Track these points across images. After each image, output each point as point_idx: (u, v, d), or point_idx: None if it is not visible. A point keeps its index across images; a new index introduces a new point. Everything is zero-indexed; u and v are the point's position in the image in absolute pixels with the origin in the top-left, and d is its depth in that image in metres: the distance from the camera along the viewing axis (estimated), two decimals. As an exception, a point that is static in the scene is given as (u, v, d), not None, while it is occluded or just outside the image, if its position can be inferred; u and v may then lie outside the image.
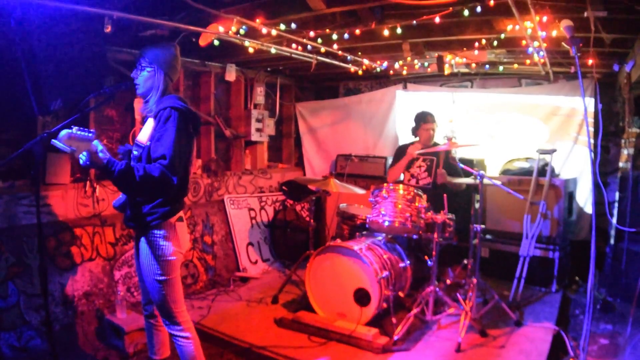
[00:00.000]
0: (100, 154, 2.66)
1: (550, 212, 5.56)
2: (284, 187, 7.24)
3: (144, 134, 3.10)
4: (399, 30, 4.35)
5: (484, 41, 4.76)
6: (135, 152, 3.11)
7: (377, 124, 7.59)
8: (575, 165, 6.20)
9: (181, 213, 3.18)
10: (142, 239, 3.07)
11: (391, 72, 6.79)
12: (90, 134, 2.58)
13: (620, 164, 5.70)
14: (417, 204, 4.66)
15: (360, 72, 6.47)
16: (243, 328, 4.59)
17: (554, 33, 4.11)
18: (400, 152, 5.88)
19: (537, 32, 4.04)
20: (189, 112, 3.03)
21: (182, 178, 3.02)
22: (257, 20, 4.20)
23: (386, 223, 4.61)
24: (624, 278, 5.04)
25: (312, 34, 4.57)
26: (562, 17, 3.54)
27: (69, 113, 4.21)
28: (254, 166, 7.26)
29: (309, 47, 4.97)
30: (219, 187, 6.56)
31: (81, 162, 2.62)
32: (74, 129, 2.54)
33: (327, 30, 4.52)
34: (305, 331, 4.48)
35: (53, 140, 2.54)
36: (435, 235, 4.54)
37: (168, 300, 3.10)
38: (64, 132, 2.53)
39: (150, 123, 3.10)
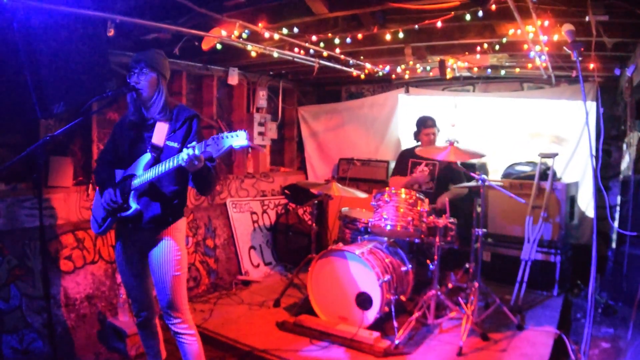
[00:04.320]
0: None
1: (551, 216, 5.55)
2: (286, 191, 7.26)
3: (158, 137, 3.18)
4: (401, 35, 4.37)
5: (485, 45, 4.77)
6: (154, 154, 3.18)
7: (380, 128, 7.59)
8: (577, 169, 6.20)
9: None
10: (165, 237, 3.22)
11: (393, 76, 6.80)
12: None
13: (622, 168, 5.70)
14: (419, 208, 4.66)
15: (362, 76, 6.48)
16: (245, 331, 4.60)
17: (556, 37, 4.11)
18: (403, 157, 5.89)
19: (538, 36, 4.05)
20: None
21: None
22: (260, 25, 4.21)
23: (388, 227, 4.61)
24: (626, 282, 5.02)
25: (314, 38, 4.59)
26: (564, 21, 3.55)
27: (72, 116, 4.22)
28: (256, 170, 7.27)
29: (311, 51, 4.98)
30: (222, 191, 6.57)
31: (187, 164, 2.81)
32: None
33: (330, 34, 4.54)
34: (307, 335, 4.48)
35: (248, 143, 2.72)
36: (437, 239, 4.54)
37: (181, 294, 3.24)
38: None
39: (162, 127, 3.20)
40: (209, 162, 3.04)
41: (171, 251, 3.21)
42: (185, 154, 2.78)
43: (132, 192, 3.16)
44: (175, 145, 3.16)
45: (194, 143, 2.80)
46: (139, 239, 3.27)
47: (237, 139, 2.67)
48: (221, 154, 2.74)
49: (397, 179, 5.74)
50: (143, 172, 3.13)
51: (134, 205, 3.16)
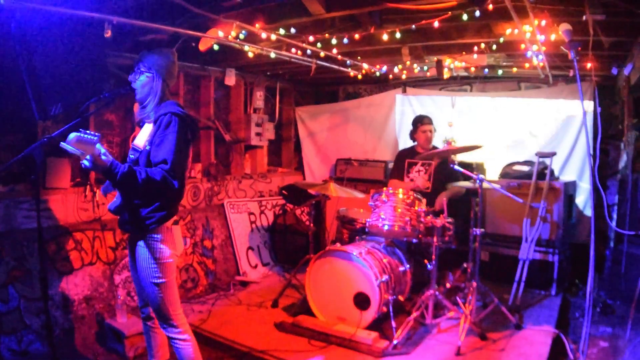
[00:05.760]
0: (104, 157, 2.66)
1: (549, 216, 5.56)
2: (283, 191, 7.25)
3: (141, 138, 3.13)
4: (398, 35, 4.37)
5: (483, 45, 4.78)
6: (131, 156, 3.13)
7: (377, 128, 7.59)
8: (575, 168, 6.21)
9: (176, 217, 3.22)
10: (140, 243, 3.10)
11: (390, 76, 6.80)
12: (95, 137, 2.59)
13: (620, 167, 5.71)
14: (416, 208, 4.67)
15: (359, 77, 6.48)
16: (243, 332, 4.59)
17: (553, 37, 4.12)
18: (399, 158, 5.89)
19: (536, 35, 4.06)
20: (188, 118, 3.10)
21: (181, 183, 3.05)
22: (257, 25, 4.21)
23: (386, 227, 4.61)
24: (624, 281, 5.04)
25: (311, 38, 4.58)
26: (561, 20, 3.55)
27: (69, 118, 4.22)
28: (253, 170, 7.27)
29: (308, 51, 4.98)
30: (219, 192, 6.57)
31: (84, 165, 2.63)
32: (81, 132, 2.56)
33: (327, 34, 4.53)
34: (305, 335, 4.48)
35: (62, 143, 2.55)
36: (435, 239, 4.54)
37: (165, 302, 3.14)
38: (72, 135, 2.55)
39: (148, 128, 3.14)
40: (162, 164, 2.90)
41: (147, 259, 3.08)
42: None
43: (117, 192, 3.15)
44: (147, 147, 3.03)
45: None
46: (128, 238, 3.28)
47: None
48: (79, 154, 2.58)
49: (395, 183, 5.74)
50: None
51: (109, 205, 3.14)
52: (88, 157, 2.62)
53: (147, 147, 3.02)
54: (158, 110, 3.11)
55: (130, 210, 3.09)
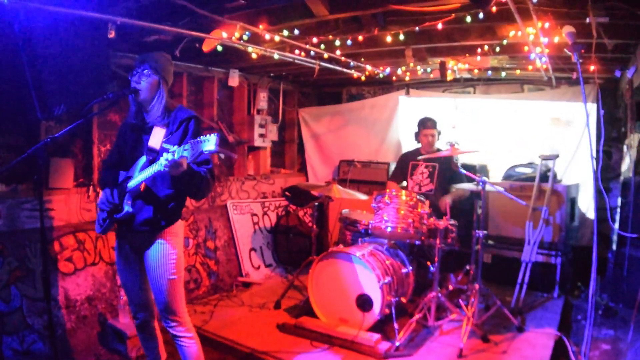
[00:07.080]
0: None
1: (552, 218, 5.55)
2: (286, 193, 7.25)
3: (155, 140, 3.16)
4: (401, 37, 4.37)
5: (486, 47, 4.77)
6: (149, 157, 3.16)
7: (380, 129, 7.59)
8: (578, 171, 6.20)
9: None
10: (158, 240, 3.18)
11: (394, 78, 6.80)
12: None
13: (622, 170, 5.69)
14: (419, 210, 4.67)
15: (363, 78, 6.48)
16: (245, 333, 4.59)
17: (556, 39, 4.12)
18: (403, 160, 5.89)
19: (539, 38, 4.06)
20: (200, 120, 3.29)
21: None
22: (261, 26, 4.22)
23: (389, 229, 4.61)
24: (626, 284, 5.02)
25: (315, 40, 4.59)
26: (564, 23, 3.55)
27: (73, 118, 4.23)
28: (256, 172, 7.27)
29: (312, 53, 4.99)
30: (222, 193, 6.57)
31: (168, 167, 2.76)
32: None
33: (330, 36, 4.54)
34: (307, 336, 4.48)
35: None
36: (438, 241, 4.54)
37: (177, 298, 3.21)
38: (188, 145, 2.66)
39: (159, 131, 3.18)
40: (204, 165, 3.04)
41: (166, 255, 3.17)
42: (164, 159, 2.73)
43: (127, 194, 3.15)
44: (172, 148, 3.08)
45: (175, 147, 2.73)
46: (134, 241, 3.27)
47: (207, 144, 2.58)
48: (195, 159, 2.69)
49: (393, 187, 5.72)
50: (137, 175, 3.12)
51: (126, 208, 3.14)
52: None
53: (174, 148, 3.02)
54: (175, 114, 3.20)
55: (158, 206, 3.17)
